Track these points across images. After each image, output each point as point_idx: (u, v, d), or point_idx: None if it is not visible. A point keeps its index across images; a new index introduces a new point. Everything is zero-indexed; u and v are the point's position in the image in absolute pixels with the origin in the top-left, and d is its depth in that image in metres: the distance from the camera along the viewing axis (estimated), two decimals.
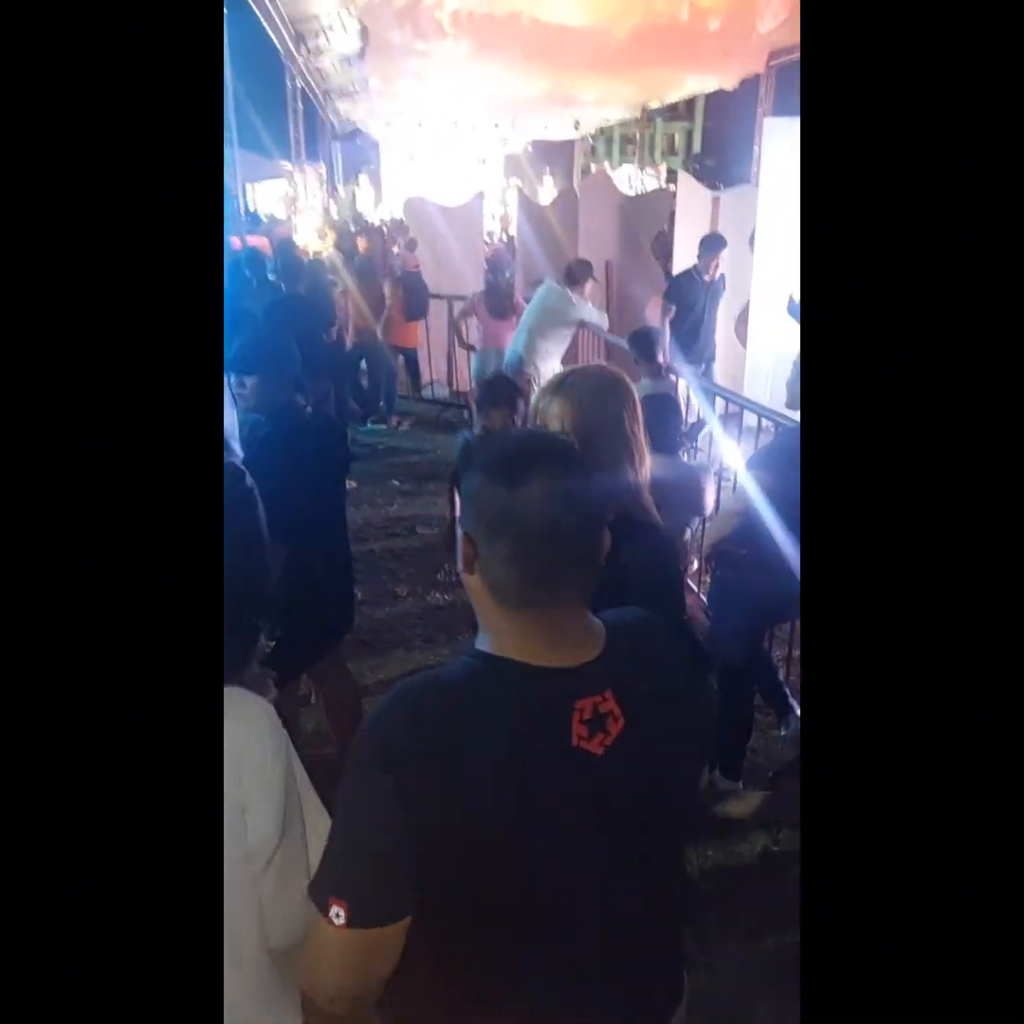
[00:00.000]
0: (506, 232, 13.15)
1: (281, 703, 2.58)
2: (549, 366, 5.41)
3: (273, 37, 13.37)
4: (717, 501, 3.18)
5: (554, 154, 17.70)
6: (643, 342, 4.01)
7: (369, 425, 6.74)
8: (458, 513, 0.92)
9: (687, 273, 5.65)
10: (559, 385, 1.61)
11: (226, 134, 9.95)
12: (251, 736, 1.02)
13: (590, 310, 5.32)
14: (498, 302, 5.93)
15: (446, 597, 4.19)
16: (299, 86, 15.23)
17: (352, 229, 13.37)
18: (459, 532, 0.91)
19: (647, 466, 1.64)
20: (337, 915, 0.84)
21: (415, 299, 6.43)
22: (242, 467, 1.83)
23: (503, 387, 3.40)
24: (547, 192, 14.40)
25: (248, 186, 16.33)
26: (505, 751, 0.84)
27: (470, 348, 6.16)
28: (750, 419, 3.56)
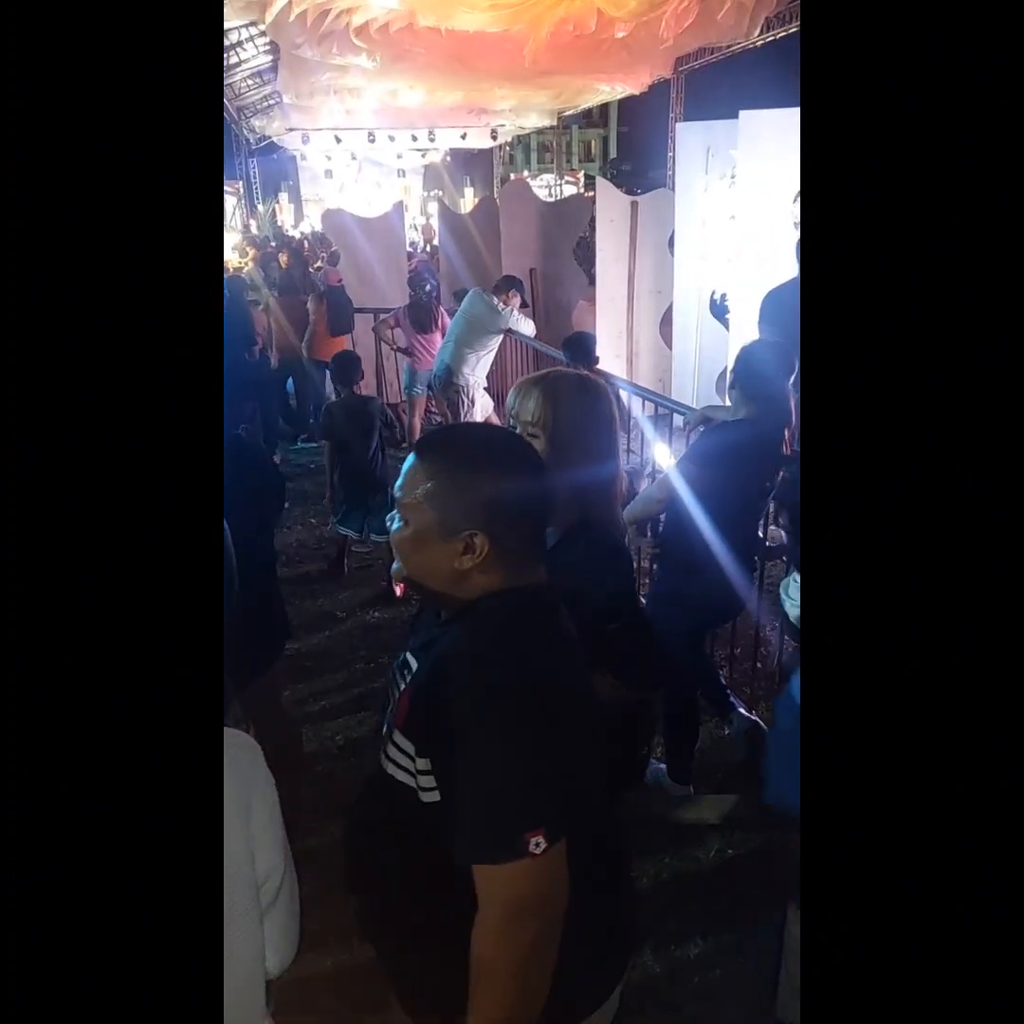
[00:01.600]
0: (429, 243, 13.11)
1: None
2: (478, 376, 5.39)
3: None
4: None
5: (473, 163, 17.75)
6: (578, 347, 4.02)
7: (299, 443, 6.62)
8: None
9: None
10: (535, 383, 1.58)
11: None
12: (255, 768, 1.04)
13: (516, 318, 5.32)
14: (421, 316, 5.90)
15: (384, 615, 4.12)
16: None
17: (272, 245, 13.19)
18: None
19: (621, 471, 1.64)
20: (537, 845, 0.89)
21: (340, 314, 6.34)
22: None
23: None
24: (467, 202, 14.41)
25: None
26: (569, 651, 1.06)
27: (400, 351, 6.08)
28: (678, 420, 3.58)
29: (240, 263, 10.58)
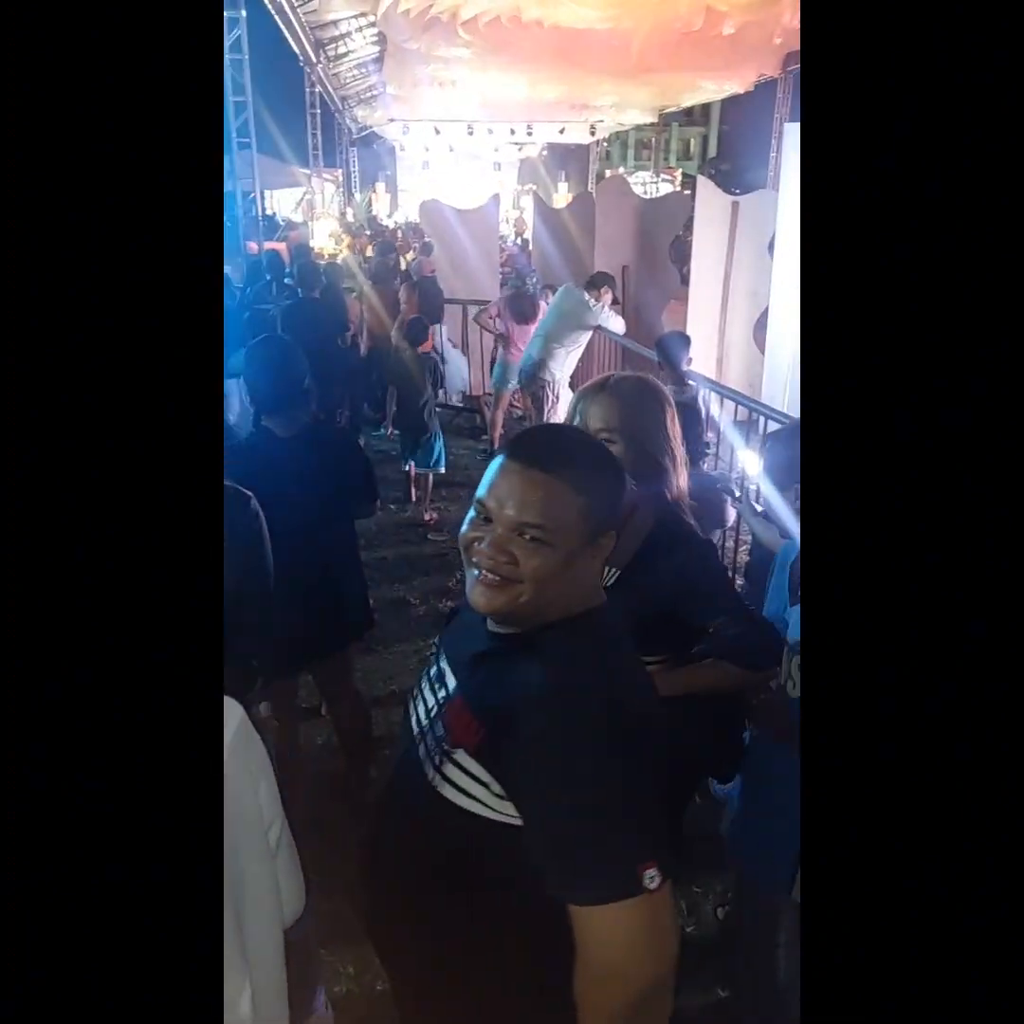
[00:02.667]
0: (521, 236, 13.12)
1: (279, 707, 2.55)
2: (564, 372, 5.35)
3: (292, 44, 13.44)
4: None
5: (569, 159, 17.68)
6: (671, 347, 3.95)
7: (382, 430, 6.70)
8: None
9: None
10: (601, 387, 1.59)
11: (246, 140, 10.00)
12: (248, 728, 1.03)
13: (607, 315, 5.27)
14: (524, 306, 5.86)
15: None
16: (317, 92, 15.30)
17: (367, 234, 13.41)
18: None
19: (685, 474, 1.62)
20: (651, 878, 0.83)
21: (430, 304, 6.39)
22: (247, 492, 1.80)
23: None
24: (562, 196, 14.37)
25: (267, 192, 16.41)
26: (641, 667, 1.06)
27: (499, 337, 6.07)
28: (769, 426, 3.49)
29: (335, 250, 10.78)
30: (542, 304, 5.91)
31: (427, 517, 5.08)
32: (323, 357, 5.12)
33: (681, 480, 1.59)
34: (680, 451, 1.59)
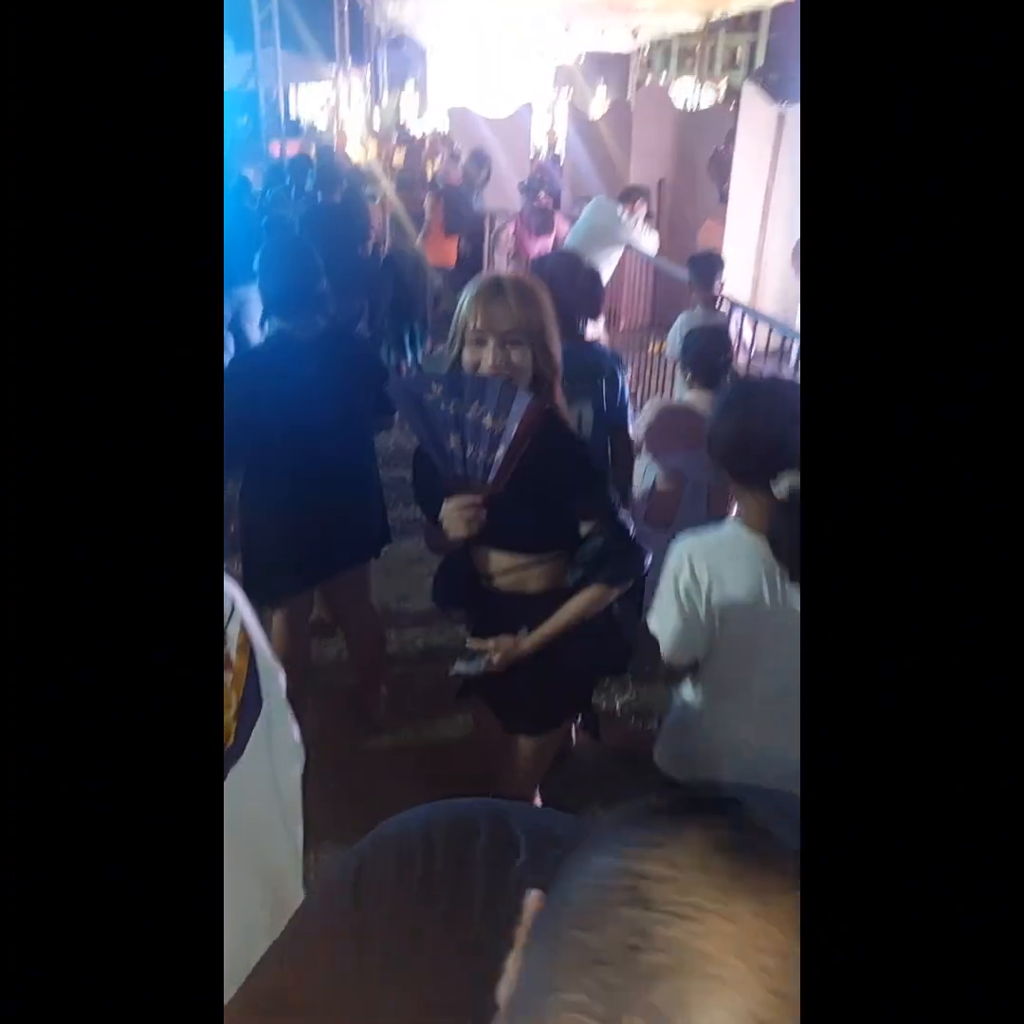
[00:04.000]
0: (553, 147, 12.61)
1: (292, 623, 2.53)
2: None
3: None
4: None
5: (608, 66, 16.85)
6: (704, 267, 3.78)
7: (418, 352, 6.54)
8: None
9: None
10: (499, 286, 1.52)
11: (269, 34, 9.57)
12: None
13: (640, 231, 5.05)
14: (539, 219, 5.66)
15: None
16: None
17: (394, 139, 12.93)
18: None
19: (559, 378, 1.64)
20: None
21: (455, 214, 6.15)
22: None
23: None
24: (599, 106, 13.74)
25: (291, 91, 15.81)
26: None
27: (514, 248, 5.87)
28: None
29: (361, 156, 10.41)
30: (559, 217, 5.69)
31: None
32: (342, 265, 4.98)
33: (557, 385, 1.61)
34: (558, 356, 1.59)
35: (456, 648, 3.16)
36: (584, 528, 1.58)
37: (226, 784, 1.09)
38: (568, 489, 1.55)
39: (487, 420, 1.47)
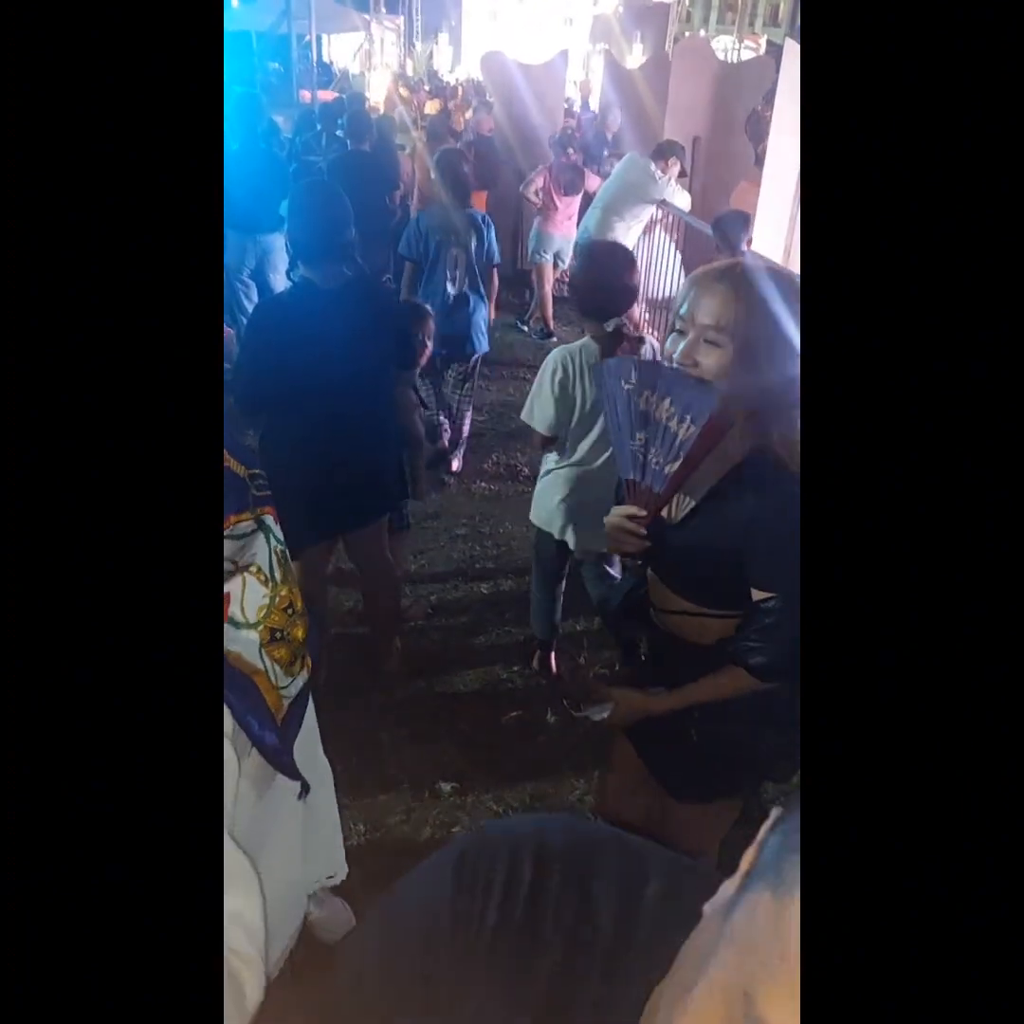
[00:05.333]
0: (588, 100, 12.32)
1: (310, 573, 2.54)
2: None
3: None
4: None
5: (646, 17, 16.35)
6: (730, 227, 3.71)
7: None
8: None
9: None
10: (721, 275, 1.29)
11: None
12: None
13: (673, 189, 4.94)
14: (570, 175, 5.54)
15: (493, 487, 4.07)
16: None
17: (426, 88, 12.68)
18: None
19: (796, 413, 1.39)
20: None
21: (485, 165, 6.04)
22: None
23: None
24: (636, 58, 13.38)
25: (324, 38, 15.52)
26: None
27: (541, 205, 5.74)
28: None
29: (391, 105, 10.22)
30: (591, 175, 5.58)
31: None
32: (370, 214, 4.91)
33: (793, 418, 1.26)
34: (796, 381, 1.26)
35: (470, 604, 3.21)
36: (757, 595, 1.32)
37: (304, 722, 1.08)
38: (748, 551, 1.30)
39: (673, 423, 1.27)
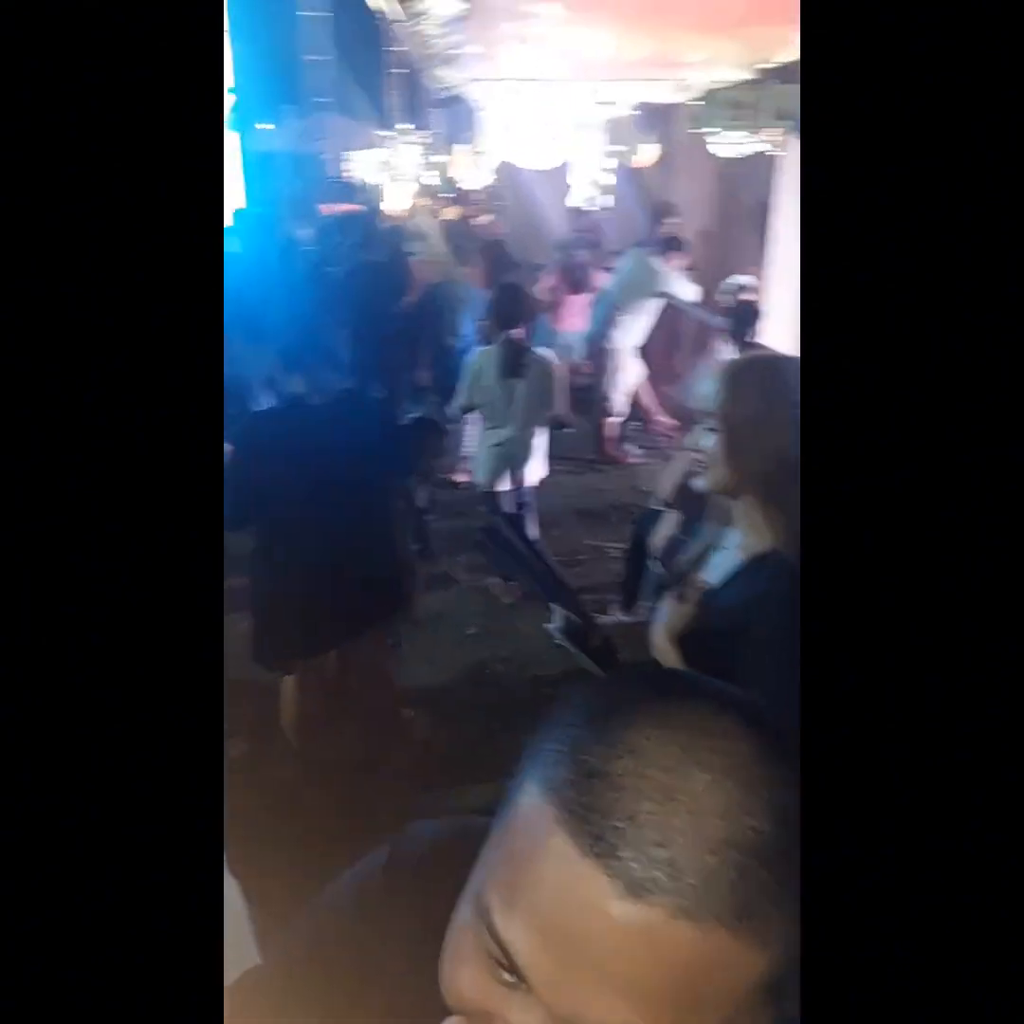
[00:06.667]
0: (597, 199, 12.71)
1: (304, 688, 2.46)
2: (628, 340, 5.11)
3: (374, 2, 13.25)
4: None
5: (656, 118, 17.05)
6: (740, 317, 3.71)
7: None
8: None
9: None
10: (723, 367, 1.33)
11: (322, 100, 9.91)
12: None
13: (679, 282, 4.99)
14: (577, 274, 5.65)
15: (502, 583, 3.99)
16: (399, 52, 15.07)
17: (443, 196, 13.20)
18: None
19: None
20: None
21: (497, 267, 6.19)
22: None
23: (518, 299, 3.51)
24: (644, 157, 13.88)
25: (346, 153, 16.35)
26: None
27: (547, 302, 5.81)
28: None
29: (408, 213, 10.63)
30: (596, 273, 5.68)
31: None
32: (382, 322, 5.02)
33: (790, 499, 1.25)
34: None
35: (478, 714, 3.09)
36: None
37: None
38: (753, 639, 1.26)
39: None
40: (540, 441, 3.64)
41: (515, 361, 3.41)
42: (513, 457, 3.55)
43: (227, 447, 2.39)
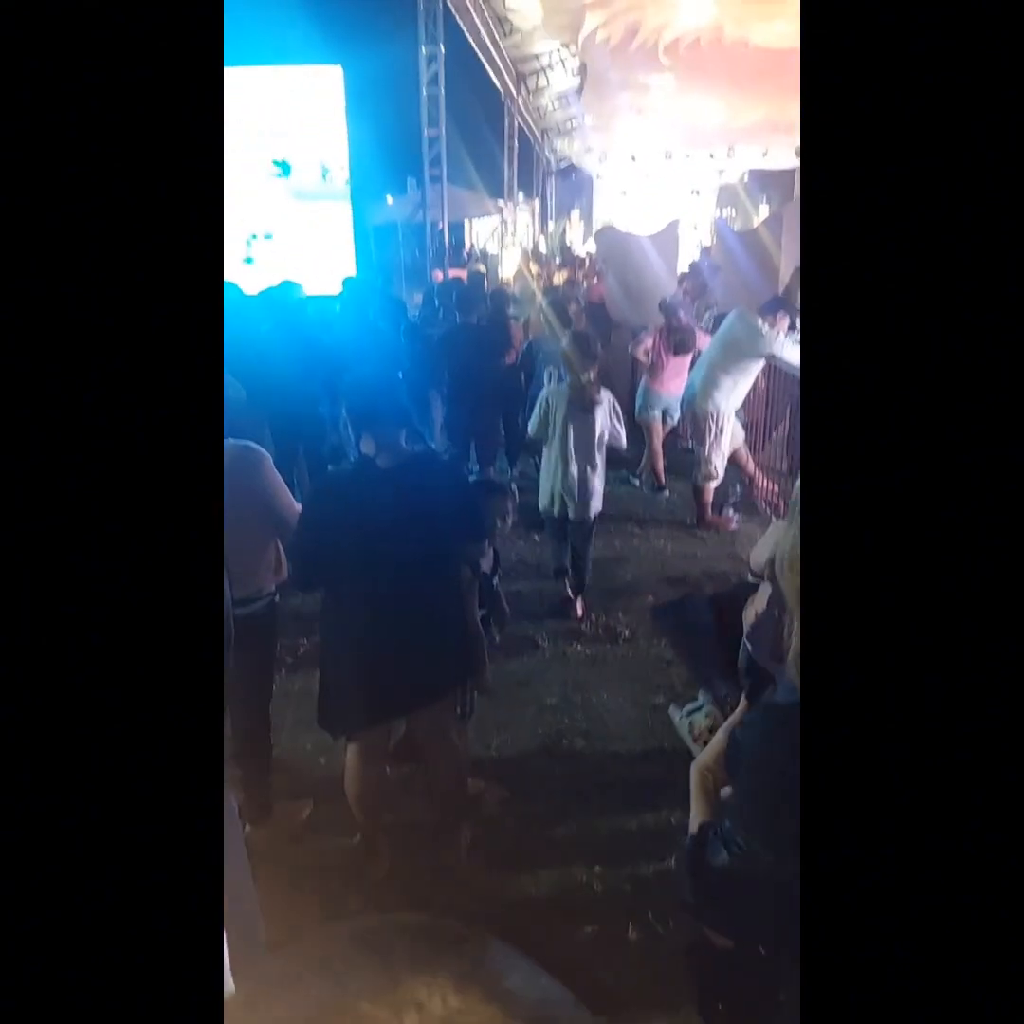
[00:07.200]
0: (705, 262, 12.64)
1: (367, 756, 2.38)
2: (730, 402, 4.94)
3: (494, 79, 13.80)
4: None
5: (771, 183, 16.97)
6: None
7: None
8: None
9: None
10: None
11: (436, 171, 10.32)
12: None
13: (782, 343, 4.81)
14: (681, 336, 5.54)
15: (589, 650, 3.84)
16: (517, 125, 15.62)
17: (557, 261, 13.45)
18: None
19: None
20: None
21: (597, 330, 6.16)
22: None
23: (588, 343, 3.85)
24: (755, 221, 13.78)
25: (467, 222, 16.95)
26: None
27: (650, 365, 5.75)
28: None
29: (519, 279, 10.84)
30: (703, 334, 5.55)
31: None
32: (475, 382, 5.04)
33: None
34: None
35: (554, 788, 2.93)
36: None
37: None
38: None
39: None
40: (600, 474, 4.04)
41: (582, 399, 3.84)
42: (576, 485, 3.95)
43: (298, 508, 2.39)
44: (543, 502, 4.08)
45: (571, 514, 3.99)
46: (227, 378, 2.33)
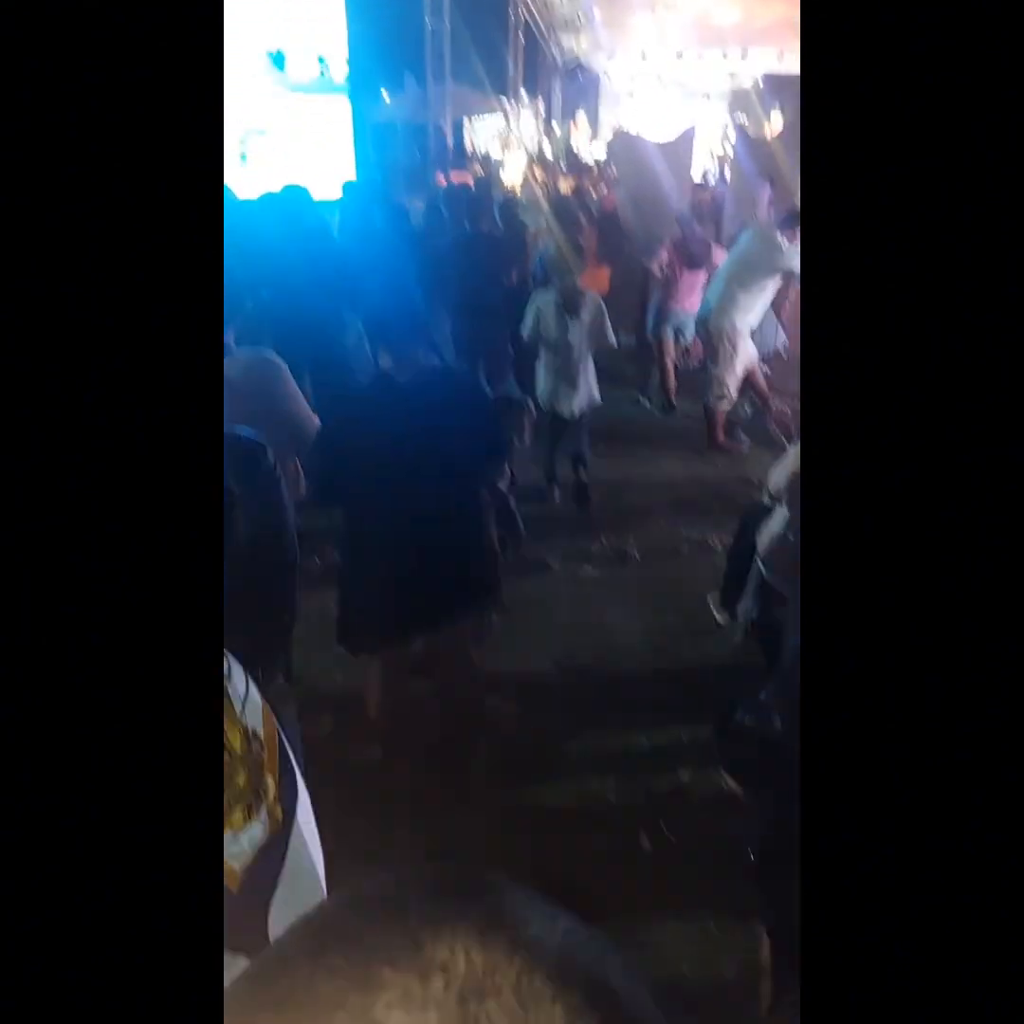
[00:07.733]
0: (721, 172, 12.23)
1: (388, 671, 2.41)
2: (746, 320, 4.84)
3: None
4: None
5: (785, 89, 16.29)
6: None
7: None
8: None
9: None
10: None
11: (438, 66, 9.85)
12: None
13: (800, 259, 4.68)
14: (695, 249, 5.39)
15: (600, 571, 3.86)
16: (523, 19, 14.87)
17: (563, 167, 12.98)
18: None
19: None
20: None
21: (608, 242, 5.99)
22: (261, 442, 1.63)
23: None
24: (774, 129, 13.27)
25: (465, 120, 16.28)
26: None
27: (663, 280, 5.62)
28: None
29: (523, 185, 10.48)
30: (718, 248, 5.39)
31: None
32: (486, 294, 4.91)
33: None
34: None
35: (567, 704, 2.99)
36: None
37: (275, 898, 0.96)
38: None
39: None
40: (590, 369, 4.32)
41: (572, 301, 4.14)
42: (570, 379, 4.24)
43: (317, 421, 2.34)
44: (542, 396, 4.33)
45: (563, 411, 4.27)
46: (228, 284, 2.25)
